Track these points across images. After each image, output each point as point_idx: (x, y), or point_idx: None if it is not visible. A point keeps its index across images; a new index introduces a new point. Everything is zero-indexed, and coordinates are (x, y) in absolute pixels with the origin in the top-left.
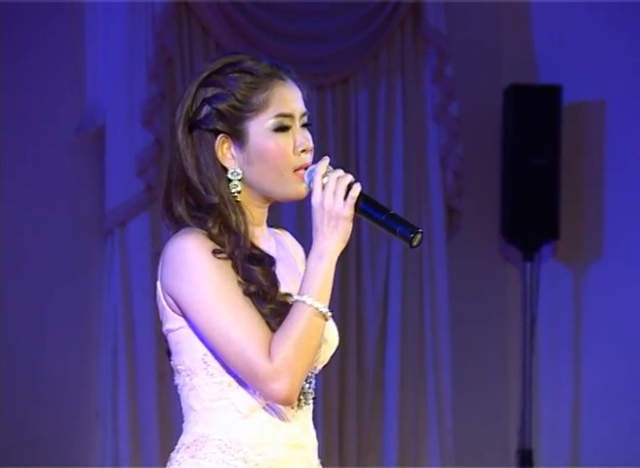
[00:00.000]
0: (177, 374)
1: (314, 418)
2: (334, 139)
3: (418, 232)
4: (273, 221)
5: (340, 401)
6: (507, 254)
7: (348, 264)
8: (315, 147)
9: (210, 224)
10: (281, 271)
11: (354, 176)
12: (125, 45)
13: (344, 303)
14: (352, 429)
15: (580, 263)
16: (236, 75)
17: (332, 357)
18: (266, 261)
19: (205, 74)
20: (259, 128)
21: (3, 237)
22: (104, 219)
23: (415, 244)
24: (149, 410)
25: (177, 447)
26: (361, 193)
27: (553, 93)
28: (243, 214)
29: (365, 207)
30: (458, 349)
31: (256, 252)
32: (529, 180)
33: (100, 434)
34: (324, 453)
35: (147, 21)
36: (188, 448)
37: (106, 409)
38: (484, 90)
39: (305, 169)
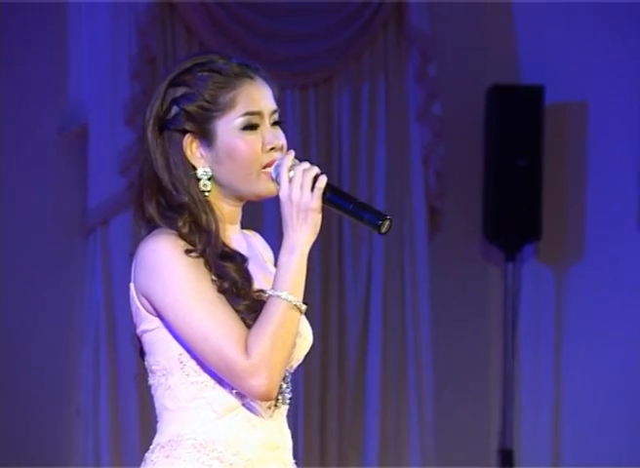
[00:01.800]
0: (151, 375)
1: (295, 419)
2: (316, 138)
3: (386, 219)
4: (259, 221)
5: (321, 401)
6: (489, 255)
7: (330, 266)
8: (298, 146)
9: (180, 224)
10: (253, 269)
11: (327, 171)
12: (108, 44)
13: (326, 304)
14: (333, 429)
15: (561, 264)
16: (205, 74)
17: (313, 357)
18: (238, 258)
19: (174, 73)
20: (226, 127)
21: None
22: (87, 217)
23: (383, 230)
24: (131, 408)
25: (151, 447)
26: (328, 184)
27: (536, 93)
28: (213, 212)
29: (332, 197)
30: (439, 349)
31: (227, 249)
32: (511, 181)
33: (82, 431)
34: (305, 454)
35: (131, 20)
36: (163, 447)
37: (88, 407)
38: (467, 90)
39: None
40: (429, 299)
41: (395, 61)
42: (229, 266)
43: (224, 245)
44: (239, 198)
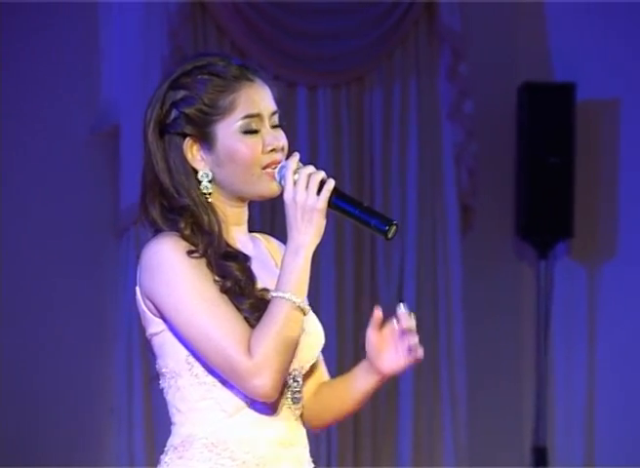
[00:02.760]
0: (162, 378)
1: (329, 427)
2: (348, 138)
3: (392, 224)
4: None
5: None
6: (522, 253)
7: (363, 265)
8: (330, 145)
9: (182, 225)
10: (257, 269)
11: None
12: (140, 44)
13: (359, 304)
14: (367, 429)
15: (594, 261)
16: (205, 78)
17: (346, 358)
18: (241, 258)
19: (174, 76)
20: (226, 130)
21: (18, 235)
22: (119, 217)
23: (390, 236)
24: (164, 408)
25: (165, 449)
26: (334, 188)
27: (567, 91)
28: (215, 214)
29: (338, 201)
30: (472, 348)
31: (230, 249)
32: (543, 178)
33: (115, 430)
34: (338, 454)
35: (163, 21)
36: (176, 448)
37: (122, 406)
38: (498, 88)
39: (273, 167)
40: (462, 298)
41: (427, 60)
42: (232, 265)
43: (228, 245)
44: (241, 199)
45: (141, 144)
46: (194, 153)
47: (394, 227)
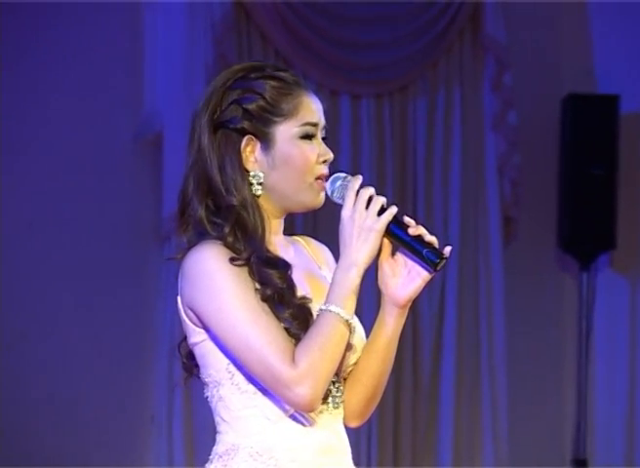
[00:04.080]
0: (205, 387)
1: (370, 426)
2: (391, 147)
3: (443, 257)
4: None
5: (395, 410)
6: (564, 264)
7: None
8: (373, 154)
9: (227, 230)
10: (298, 277)
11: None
12: (184, 51)
13: None
14: (407, 440)
15: (636, 273)
16: (267, 80)
17: None
18: (282, 266)
19: (231, 79)
20: (286, 134)
21: (62, 242)
22: (162, 225)
23: (438, 268)
24: (204, 416)
25: (210, 457)
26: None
27: (611, 102)
28: (262, 218)
29: (395, 227)
30: (513, 359)
31: (271, 256)
32: (586, 190)
33: (155, 439)
34: (378, 463)
35: (207, 28)
36: (221, 457)
37: (162, 415)
38: (542, 99)
39: (323, 179)
40: (503, 308)
41: (471, 70)
42: (273, 273)
43: (268, 251)
44: (284, 208)
45: (184, 152)
46: (248, 153)
47: (444, 261)
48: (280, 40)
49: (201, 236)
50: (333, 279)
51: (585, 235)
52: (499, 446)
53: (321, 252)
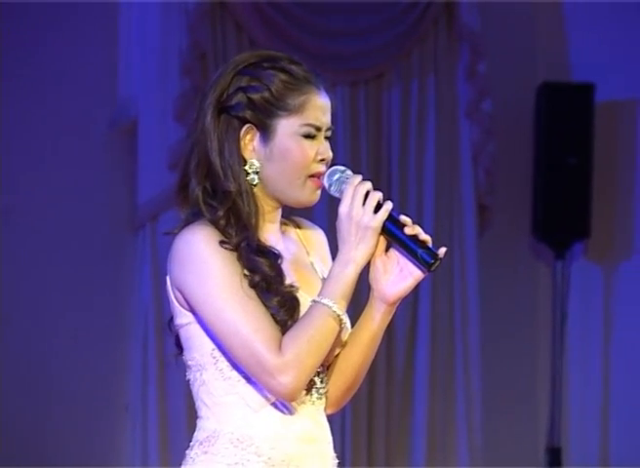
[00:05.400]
0: (188, 370)
1: (343, 419)
2: (366, 136)
3: (438, 258)
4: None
5: (368, 401)
6: (538, 253)
7: None
8: (348, 143)
9: (220, 213)
10: (287, 267)
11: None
12: (158, 39)
13: None
14: (381, 430)
15: (610, 262)
16: (276, 71)
17: None
18: (271, 255)
19: (243, 64)
20: (288, 129)
21: (34, 231)
22: (136, 213)
23: (432, 269)
24: (179, 405)
25: (191, 443)
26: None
27: (586, 91)
28: (256, 207)
29: (391, 224)
30: (487, 348)
31: (261, 244)
32: (560, 179)
33: (130, 429)
34: (352, 454)
35: (181, 16)
36: (202, 444)
37: (136, 404)
38: (517, 87)
39: (320, 177)
40: (478, 297)
41: (445, 59)
42: (262, 261)
43: (259, 241)
44: (277, 201)
45: (159, 140)
46: (247, 141)
47: (438, 262)
48: (255, 28)
49: (195, 216)
50: (329, 273)
51: (560, 224)
52: (473, 435)
53: (312, 235)
